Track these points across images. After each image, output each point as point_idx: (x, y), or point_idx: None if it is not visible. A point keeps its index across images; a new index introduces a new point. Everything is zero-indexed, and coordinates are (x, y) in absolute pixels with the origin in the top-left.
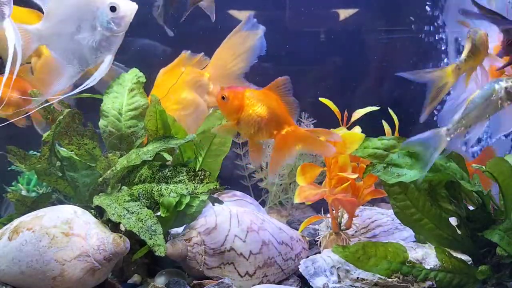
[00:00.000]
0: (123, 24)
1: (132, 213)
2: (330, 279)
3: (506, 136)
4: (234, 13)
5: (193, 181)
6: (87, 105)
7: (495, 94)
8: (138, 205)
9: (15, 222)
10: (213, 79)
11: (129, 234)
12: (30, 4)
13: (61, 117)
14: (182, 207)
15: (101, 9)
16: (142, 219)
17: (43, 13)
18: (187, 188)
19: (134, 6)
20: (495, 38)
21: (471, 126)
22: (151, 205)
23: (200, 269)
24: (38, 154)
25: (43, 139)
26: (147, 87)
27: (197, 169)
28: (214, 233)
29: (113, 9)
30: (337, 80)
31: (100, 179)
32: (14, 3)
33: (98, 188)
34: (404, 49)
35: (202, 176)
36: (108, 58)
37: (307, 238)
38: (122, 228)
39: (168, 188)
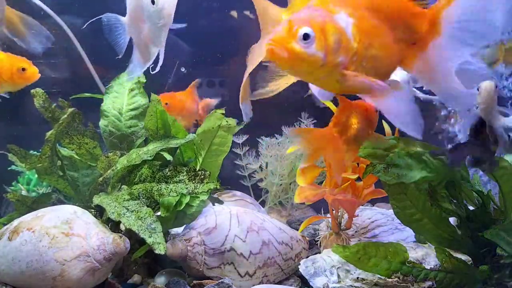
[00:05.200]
0: (164, 16)
1: (132, 211)
2: (330, 279)
3: None
4: (234, 14)
5: (193, 181)
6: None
7: None
8: (137, 204)
9: (15, 222)
10: None
11: (129, 234)
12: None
13: (64, 116)
14: (182, 207)
15: (146, 3)
16: (141, 217)
17: None
18: (187, 188)
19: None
20: None
21: None
22: (151, 205)
23: (200, 269)
24: (39, 153)
25: (45, 138)
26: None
27: (197, 169)
28: (214, 233)
29: (153, 2)
30: None
31: (101, 178)
32: None
33: (98, 187)
34: None
35: (202, 176)
36: (160, 52)
37: (307, 238)
38: (123, 228)
39: (168, 187)
